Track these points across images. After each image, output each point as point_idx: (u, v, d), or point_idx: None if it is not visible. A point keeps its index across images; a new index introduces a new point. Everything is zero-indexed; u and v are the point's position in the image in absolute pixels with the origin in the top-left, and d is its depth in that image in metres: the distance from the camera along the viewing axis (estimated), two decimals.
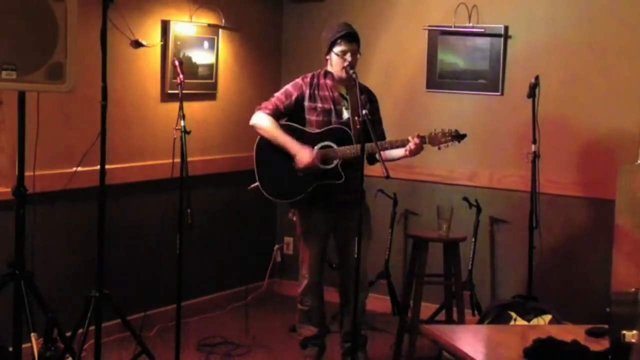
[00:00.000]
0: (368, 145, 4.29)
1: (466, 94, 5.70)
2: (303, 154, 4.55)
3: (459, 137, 4.57)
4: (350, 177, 4.53)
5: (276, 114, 4.63)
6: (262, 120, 4.63)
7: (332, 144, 4.58)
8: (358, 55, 4.59)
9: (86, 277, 4.44)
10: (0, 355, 3.96)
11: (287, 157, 4.60)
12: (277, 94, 4.69)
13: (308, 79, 4.67)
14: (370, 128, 4.20)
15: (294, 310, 4.92)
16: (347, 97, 4.65)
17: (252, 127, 4.67)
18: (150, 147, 5.34)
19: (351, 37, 4.56)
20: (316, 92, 4.64)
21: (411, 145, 4.49)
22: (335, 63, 4.58)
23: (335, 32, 4.58)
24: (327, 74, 4.67)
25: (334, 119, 4.63)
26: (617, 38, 5.26)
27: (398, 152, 4.59)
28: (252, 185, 4.65)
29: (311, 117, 4.63)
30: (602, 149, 5.32)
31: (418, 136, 4.52)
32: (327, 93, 4.64)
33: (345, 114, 4.64)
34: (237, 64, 5.99)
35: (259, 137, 4.67)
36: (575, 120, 5.39)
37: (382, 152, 4.30)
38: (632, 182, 4.76)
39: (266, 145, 4.64)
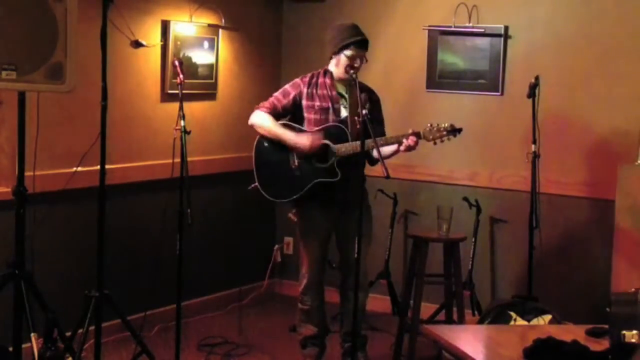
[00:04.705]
0: (365, 143, 4.29)
1: (466, 94, 5.70)
2: (302, 141, 4.55)
3: (454, 131, 4.54)
4: (351, 177, 4.52)
5: (274, 113, 4.63)
6: (259, 118, 4.63)
7: (328, 142, 4.58)
8: (364, 60, 4.61)
9: (86, 277, 4.43)
10: (0, 355, 3.96)
11: (285, 156, 4.61)
12: (276, 94, 4.70)
13: (307, 78, 4.68)
14: (370, 127, 4.20)
15: (294, 310, 4.92)
16: (346, 95, 4.65)
17: (252, 127, 4.68)
18: (150, 147, 5.34)
19: (363, 44, 4.56)
20: (314, 90, 4.64)
21: (406, 142, 4.48)
22: (341, 64, 4.58)
23: (349, 35, 4.56)
24: (326, 72, 4.68)
25: (332, 117, 4.62)
26: (617, 38, 5.26)
27: (392, 147, 4.58)
28: (252, 186, 4.66)
29: (309, 115, 4.63)
30: (602, 149, 5.32)
31: (413, 132, 4.51)
32: (325, 92, 4.64)
33: (344, 112, 4.63)
34: (237, 64, 5.99)
35: (257, 137, 4.68)
36: (575, 120, 5.39)
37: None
38: (632, 182, 4.77)
39: (265, 146, 4.65)
